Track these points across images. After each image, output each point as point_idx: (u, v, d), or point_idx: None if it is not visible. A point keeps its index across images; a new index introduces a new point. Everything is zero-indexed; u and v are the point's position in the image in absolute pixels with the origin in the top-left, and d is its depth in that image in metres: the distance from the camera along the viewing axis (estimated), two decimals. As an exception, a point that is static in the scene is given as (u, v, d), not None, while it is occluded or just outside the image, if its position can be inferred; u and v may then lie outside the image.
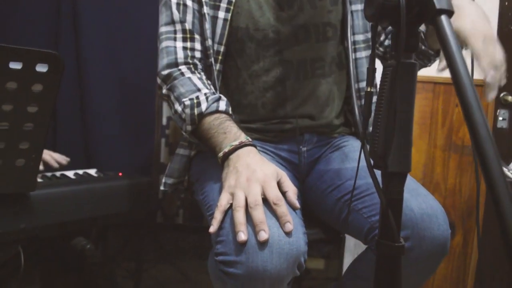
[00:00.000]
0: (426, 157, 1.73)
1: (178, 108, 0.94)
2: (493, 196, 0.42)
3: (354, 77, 1.07)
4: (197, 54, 1.01)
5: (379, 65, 0.61)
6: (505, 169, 1.14)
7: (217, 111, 0.91)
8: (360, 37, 1.06)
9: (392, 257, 0.55)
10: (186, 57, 1.00)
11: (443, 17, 0.47)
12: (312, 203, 1.02)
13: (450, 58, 0.47)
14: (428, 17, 0.49)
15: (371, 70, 0.58)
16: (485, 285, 1.74)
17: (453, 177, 1.74)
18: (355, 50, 1.05)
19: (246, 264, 0.70)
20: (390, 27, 1.11)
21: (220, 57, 1.01)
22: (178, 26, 1.01)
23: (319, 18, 1.02)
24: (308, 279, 1.72)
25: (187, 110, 0.91)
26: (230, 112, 0.93)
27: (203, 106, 0.90)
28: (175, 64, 1.00)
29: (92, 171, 1.37)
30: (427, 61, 1.05)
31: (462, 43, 0.81)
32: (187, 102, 0.92)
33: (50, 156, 1.31)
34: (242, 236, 0.70)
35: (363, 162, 0.61)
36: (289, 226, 0.72)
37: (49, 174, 1.29)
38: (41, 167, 1.23)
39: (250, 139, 0.86)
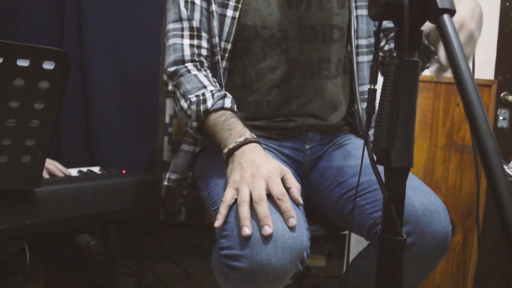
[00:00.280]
0: (427, 156, 1.74)
1: (184, 104, 0.95)
2: (494, 193, 0.43)
3: (357, 80, 1.09)
4: (204, 52, 1.03)
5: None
6: (505, 167, 1.15)
7: (222, 108, 0.92)
8: (363, 42, 1.08)
9: (394, 251, 0.56)
10: (192, 54, 1.01)
11: (446, 16, 0.48)
12: (314, 200, 1.04)
13: (452, 56, 0.48)
14: (431, 16, 0.50)
15: (375, 68, 0.59)
16: (484, 283, 1.75)
17: (453, 176, 1.75)
18: (357, 54, 1.07)
19: (250, 258, 0.71)
20: (392, 34, 1.14)
21: (226, 55, 1.03)
22: (186, 24, 1.02)
23: (326, 20, 1.04)
24: (309, 276, 1.73)
25: (193, 107, 0.93)
26: (236, 109, 0.95)
27: (209, 103, 0.92)
28: (182, 61, 1.01)
29: (96, 169, 1.38)
30: (426, 59, 1.06)
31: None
32: (193, 99, 0.93)
33: (54, 166, 1.32)
34: (247, 230, 0.71)
35: (366, 160, 0.62)
36: (292, 221, 0.73)
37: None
38: (46, 176, 1.24)
39: (255, 136, 0.87)
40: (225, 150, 0.86)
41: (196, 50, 1.02)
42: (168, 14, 1.06)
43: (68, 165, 1.35)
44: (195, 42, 1.02)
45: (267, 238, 0.71)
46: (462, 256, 1.77)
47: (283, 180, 0.80)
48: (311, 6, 1.02)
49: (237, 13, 1.00)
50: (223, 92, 0.96)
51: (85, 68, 1.61)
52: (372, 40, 1.10)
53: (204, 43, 1.03)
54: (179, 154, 1.11)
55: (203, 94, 0.93)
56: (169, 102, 1.71)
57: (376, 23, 1.13)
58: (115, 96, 1.66)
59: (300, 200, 0.80)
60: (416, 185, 0.86)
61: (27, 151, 0.96)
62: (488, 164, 0.40)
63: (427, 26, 0.75)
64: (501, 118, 1.75)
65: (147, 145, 1.71)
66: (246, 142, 0.84)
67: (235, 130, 0.87)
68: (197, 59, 1.02)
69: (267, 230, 0.71)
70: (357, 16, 1.07)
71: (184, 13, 1.02)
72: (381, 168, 0.57)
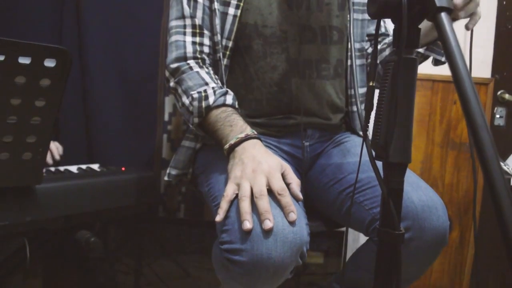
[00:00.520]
0: (424, 154, 1.76)
1: (186, 101, 0.96)
2: (490, 188, 0.44)
3: (349, 83, 1.11)
4: (206, 49, 1.03)
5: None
6: (501, 164, 1.16)
7: (224, 104, 0.93)
8: (356, 45, 1.10)
9: (392, 245, 0.58)
10: (194, 51, 1.02)
11: (443, 14, 0.49)
12: (313, 196, 1.05)
13: (450, 54, 0.49)
14: (428, 14, 0.51)
15: (373, 65, 0.60)
16: (481, 280, 1.77)
17: (450, 174, 1.76)
18: (351, 57, 1.09)
19: (251, 252, 0.72)
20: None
21: (228, 52, 1.03)
22: (188, 21, 1.03)
23: (326, 21, 1.05)
24: (307, 274, 1.74)
25: (195, 103, 0.94)
26: (237, 106, 0.96)
27: (211, 100, 0.93)
28: (184, 58, 1.02)
29: (95, 166, 1.39)
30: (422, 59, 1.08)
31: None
32: (195, 95, 0.94)
33: (54, 145, 1.33)
34: (248, 224, 0.72)
35: (364, 157, 0.63)
36: (293, 216, 0.74)
37: (52, 168, 1.30)
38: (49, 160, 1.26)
39: (255, 132, 0.88)
40: (226, 146, 0.87)
41: (198, 47, 1.03)
42: (171, 11, 1.07)
43: (68, 163, 1.36)
44: (197, 39, 1.03)
45: (267, 232, 0.72)
46: (459, 252, 1.78)
47: (283, 176, 0.81)
48: (311, 7, 1.03)
49: (239, 11, 1.01)
50: (224, 89, 0.96)
51: (84, 67, 1.61)
52: (364, 44, 1.14)
53: (206, 41, 1.04)
54: (180, 150, 1.12)
55: (205, 91, 0.94)
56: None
57: (368, 27, 1.16)
58: (114, 94, 1.67)
59: (300, 196, 0.81)
60: (415, 181, 0.87)
61: (28, 148, 0.96)
62: (484, 159, 0.42)
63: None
64: (497, 116, 1.77)
65: (146, 142, 1.72)
66: (247, 138, 0.85)
67: (236, 126, 0.88)
68: (199, 56, 1.02)
69: (268, 224, 0.72)
70: (352, 19, 1.08)
71: (187, 10, 1.03)
72: (379, 164, 0.58)
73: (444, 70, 1.48)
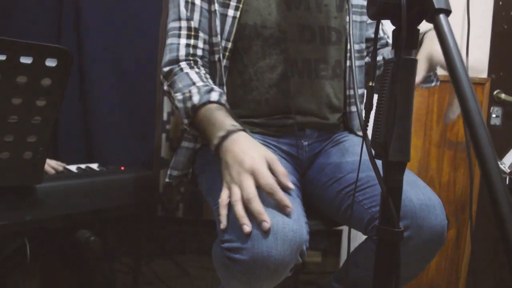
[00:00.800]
0: (421, 153, 1.77)
1: (176, 103, 0.97)
2: (487, 184, 0.44)
3: (347, 83, 1.12)
4: (199, 52, 1.04)
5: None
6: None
7: (208, 102, 0.93)
8: (355, 47, 1.11)
9: (391, 242, 0.58)
10: (187, 54, 1.03)
11: (442, 16, 0.50)
12: (312, 195, 1.06)
13: (448, 54, 0.49)
14: (427, 15, 0.52)
15: (373, 66, 0.61)
16: (478, 278, 1.78)
17: (447, 173, 1.78)
18: (349, 58, 1.10)
19: (251, 250, 0.73)
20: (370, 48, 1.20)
21: (227, 53, 1.04)
22: (184, 23, 1.04)
23: (325, 22, 1.06)
24: (305, 273, 1.75)
25: (181, 104, 0.94)
26: (223, 101, 0.95)
27: (195, 99, 0.93)
28: (176, 60, 1.03)
29: (94, 166, 1.39)
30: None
31: (436, 64, 0.88)
32: (180, 97, 0.95)
33: (47, 164, 1.32)
34: (247, 228, 0.73)
35: (363, 156, 0.64)
36: (288, 210, 0.75)
37: (52, 169, 1.31)
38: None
39: (235, 124, 0.87)
40: (212, 148, 0.87)
41: (191, 50, 1.03)
42: (169, 13, 1.08)
43: (67, 162, 1.36)
44: (192, 41, 1.04)
45: (267, 231, 0.73)
46: (456, 251, 1.80)
47: (270, 169, 0.79)
48: (310, 8, 1.04)
49: (238, 13, 1.02)
50: (210, 86, 0.97)
51: (83, 66, 1.62)
52: (363, 45, 1.15)
53: (201, 44, 1.04)
54: (180, 151, 1.12)
55: (190, 91, 0.95)
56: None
57: (367, 30, 1.17)
58: (113, 93, 1.67)
59: (290, 185, 0.80)
60: (413, 180, 0.88)
61: (28, 147, 0.97)
62: (481, 155, 0.42)
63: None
64: (494, 115, 1.78)
65: (145, 142, 1.72)
66: (227, 135, 0.84)
67: (215, 124, 0.88)
68: (191, 58, 1.03)
69: (265, 226, 0.72)
70: (351, 21, 1.09)
71: (184, 13, 1.04)
72: (379, 163, 0.59)
73: (440, 71, 1.49)
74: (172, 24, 1.05)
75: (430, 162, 1.78)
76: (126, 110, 1.69)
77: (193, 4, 1.04)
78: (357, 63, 1.13)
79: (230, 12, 1.02)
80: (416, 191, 0.85)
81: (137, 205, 1.38)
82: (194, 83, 0.97)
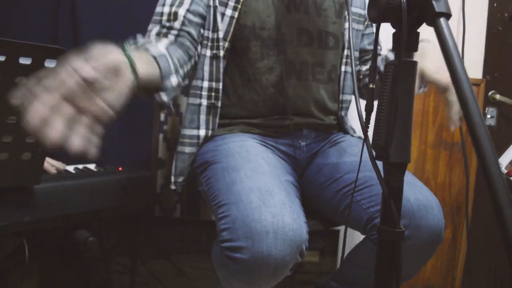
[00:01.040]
0: (417, 154, 1.78)
1: None
2: (488, 181, 0.45)
3: (341, 88, 1.13)
4: (173, 28, 1.01)
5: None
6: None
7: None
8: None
9: (392, 242, 0.59)
10: (158, 33, 1.00)
11: (442, 20, 0.51)
12: (311, 195, 1.07)
13: (449, 57, 0.50)
14: (427, 19, 0.53)
15: (373, 68, 0.62)
16: (473, 277, 1.80)
17: (443, 174, 1.79)
18: (346, 64, 1.11)
19: (251, 250, 0.73)
20: (366, 57, 1.22)
21: (227, 54, 1.05)
22: (167, 9, 1.01)
23: (323, 26, 1.07)
24: (302, 272, 1.76)
25: None
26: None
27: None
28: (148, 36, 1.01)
29: (91, 166, 1.39)
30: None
31: (425, 80, 0.88)
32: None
33: (48, 163, 1.32)
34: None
35: (363, 157, 0.65)
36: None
37: (49, 169, 1.30)
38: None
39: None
40: None
41: (163, 30, 1.00)
42: None
43: (64, 162, 1.36)
44: (167, 24, 1.01)
45: (268, 230, 0.74)
46: (452, 250, 1.81)
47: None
48: (309, 12, 1.05)
49: (236, 13, 1.02)
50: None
51: (80, 66, 1.61)
52: (357, 53, 1.18)
53: (177, 25, 1.00)
54: (181, 156, 1.10)
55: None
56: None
57: (363, 41, 1.18)
58: (110, 94, 1.66)
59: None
60: (410, 180, 0.89)
61: (27, 148, 0.96)
62: (483, 157, 0.43)
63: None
64: (489, 116, 1.80)
65: (142, 142, 1.72)
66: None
67: None
68: (161, 32, 1.00)
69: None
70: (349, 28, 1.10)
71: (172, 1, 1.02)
72: (379, 164, 0.60)
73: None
74: (157, 9, 1.04)
75: (426, 162, 1.79)
76: (123, 110, 1.68)
77: None
78: (351, 69, 1.14)
79: (228, 12, 1.03)
80: (414, 191, 0.86)
81: (135, 205, 1.38)
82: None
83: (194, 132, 1.07)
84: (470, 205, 1.76)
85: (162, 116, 1.72)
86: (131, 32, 1.66)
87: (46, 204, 1.09)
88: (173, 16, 0.99)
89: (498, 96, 1.77)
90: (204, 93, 1.06)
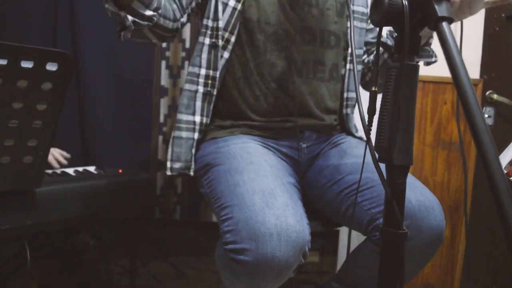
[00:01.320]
0: (416, 153, 1.79)
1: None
2: (491, 186, 0.46)
3: (345, 86, 1.14)
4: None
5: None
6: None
7: None
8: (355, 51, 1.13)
9: (396, 243, 0.60)
10: None
11: (444, 24, 0.52)
12: (312, 197, 1.07)
13: (451, 60, 0.51)
14: (430, 23, 0.53)
15: (376, 72, 0.62)
16: (472, 275, 1.81)
17: (441, 173, 1.80)
18: (350, 62, 1.12)
19: (255, 252, 0.74)
20: (372, 48, 1.21)
21: (229, 46, 1.05)
22: None
23: (325, 26, 1.08)
24: (302, 272, 1.77)
25: None
26: None
27: None
28: None
29: (91, 168, 1.39)
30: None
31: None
32: None
33: (52, 155, 1.32)
34: None
35: (362, 158, 0.65)
36: None
37: (49, 171, 1.31)
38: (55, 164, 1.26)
39: None
40: None
41: None
42: None
43: (64, 165, 1.36)
44: None
45: (271, 232, 0.74)
46: (451, 249, 1.83)
47: None
48: (312, 11, 1.06)
49: (239, 5, 1.03)
50: None
51: (79, 69, 1.61)
52: (361, 51, 1.17)
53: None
54: (178, 141, 1.08)
55: None
56: (163, 102, 1.72)
57: (367, 35, 1.19)
58: (109, 96, 1.67)
59: None
60: (411, 181, 0.89)
61: (29, 151, 0.96)
62: (486, 161, 0.44)
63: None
64: (486, 116, 1.81)
65: (142, 144, 1.72)
66: None
67: None
68: None
69: None
70: (353, 27, 1.11)
71: None
72: (382, 166, 0.60)
73: (434, 71, 1.51)
74: None
75: (425, 162, 1.80)
76: (122, 113, 1.69)
77: None
78: (357, 67, 1.16)
79: (231, 3, 1.03)
80: (415, 192, 0.87)
81: (135, 207, 1.38)
82: None
83: (190, 117, 1.08)
84: (468, 204, 1.78)
85: (161, 118, 1.72)
86: (131, 41, 1.66)
87: (47, 207, 1.09)
88: None
89: (495, 96, 1.79)
90: (201, 80, 1.07)
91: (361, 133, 1.20)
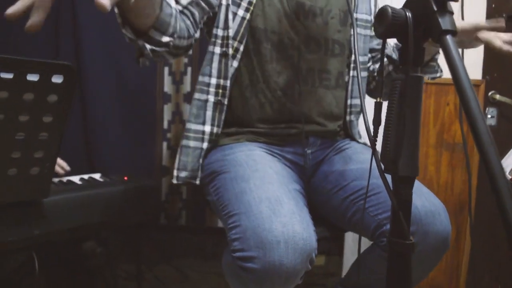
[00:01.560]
0: (419, 155, 1.79)
1: None
2: (493, 186, 0.47)
3: (349, 93, 1.14)
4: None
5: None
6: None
7: None
8: (359, 59, 1.15)
9: (403, 253, 0.60)
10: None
11: (448, 37, 0.52)
12: (317, 202, 1.08)
13: (455, 74, 0.52)
14: (434, 36, 0.54)
15: (380, 83, 0.63)
16: (477, 276, 1.81)
17: (445, 174, 1.81)
18: (353, 69, 1.13)
19: (263, 259, 0.75)
20: (377, 56, 1.22)
21: (238, 55, 1.06)
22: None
23: (329, 34, 1.09)
24: (308, 275, 1.77)
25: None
26: None
27: None
28: None
29: (97, 176, 1.40)
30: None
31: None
32: None
33: (57, 164, 1.33)
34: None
35: (368, 164, 0.66)
36: None
37: (56, 180, 1.31)
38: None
39: None
40: None
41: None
42: None
43: (69, 173, 1.37)
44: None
45: (279, 240, 0.75)
46: (456, 250, 1.83)
47: None
48: (316, 20, 1.07)
49: (248, 14, 1.04)
50: None
51: (82, 76, 1.62)
52: (366, 58, 1.18)
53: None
54: (185, 150, 1.09)
55: None
56: (167, 108, 1.73)
57: (371, 41, 1.19)
58: (112, 102, 1.67)
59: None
60: (417, 187, 0.89)
61: (35, 163, 0.97)
62: (488, 164, 0.45)
63: None
64: (489, 116, 1.81)
65: (146, 150, 1.73)
66: None
67: None
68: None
69: None
70: (356, 34, 1.12)
71: None
72: (388, 177, 0.61)
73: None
74: None
75: (428, 163, 1.80)
76: (126, 119, 1.69)
77: None
78: (362, 74, 1.17)
79: (240, 12, 1.04)
80: (421, 198, 0.88)
81: (141, 214, 1.39)
82: None
83: (199, 127, 1.08)
84: (472, 205, 1.78)
85: (165, 124, 1.73)
86: (133, 46, 1.67)
87: (55, 217, 1.10)
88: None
89: (498, 96, 1.79)
90: (212, 89, 1.07)
91: (364, 139, 1.21)
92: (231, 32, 1.04)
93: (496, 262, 1.81)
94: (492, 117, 1.81)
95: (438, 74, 1.13)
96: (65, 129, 0.98)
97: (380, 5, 1.24)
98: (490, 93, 1.80)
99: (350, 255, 1.67)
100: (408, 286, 0.62)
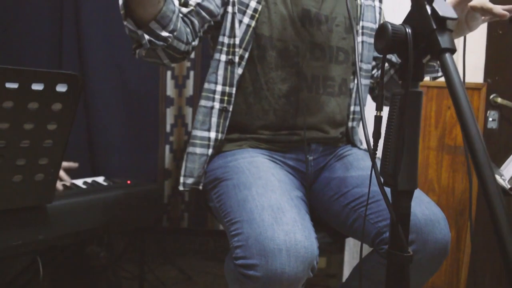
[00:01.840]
0: (420, 158, 1.80)
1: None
2: (484, 191, 0.48)
3: (352, 100, 1.15)
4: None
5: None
6: (497, 177, 1.21)
7: None
8: (363, 66, 1.15)
9: (401, 265, 0.61)
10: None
11: (447, 55, 0.53)
12: (319, 208, 1.09)
13: (453, 91, 0.52)
14: (433, 53, 0.55)
15: (380, 96, 0.63)
16: (478, 279, 1.82)
17: (446, 177, 1.81)
18: (356, 76, 1.13)
19: (265, 267, 0.76)
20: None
21: (243, 62, 1.07)
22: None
23: (334, 42, 1.10)
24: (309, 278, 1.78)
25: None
26: None
27: None
28: None
29: (100, 179, 1.41)
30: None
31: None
32: None
33: (61, 170, 1.34)
34: None
35: (368, 171, 0.67)
36: None
37: (59, 184, 1.32)
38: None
39: None
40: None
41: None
42: None
43: (72, 176, 1.38)
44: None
45: (280, 248, 0.76)
46: (456, 253, 1.83)
47: None
48: (321, 28, 1.08)
49: (253, 22, 1.05)
50: None
51: (86, 80, 1.63)
52: (370, 66, 1.19)
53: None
54: (191, 157, 1.10)
55: None
56: (169, 112, 1.74)
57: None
58: (115, 106, 1.69)
59: None
60: (417, 196, 0.91)
61: (40, 169, 0.99)
62: (480, 172, 0.46)
63: None
64: (490, 119, 1.82)
65: (149, 154, 1.74)
66: None
67: None
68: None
69: None
70: (362, 42, 1.15)
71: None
72: (387, 190, 0.62)
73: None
74: None
75: (429, 166, 1.81)
76: (129, 123, 1.70)
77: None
78: (364, 81, 1.17)
79: (245, 20, 1.05)
80: (421, 206, 0.89)
81: (144, 218, 1.40)
82: None
83: (205, 134, 1.09)
84: (473, 207, 1.78)
85: (168, 127, 1.74)
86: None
87: (58, 222, 1.11)
88: (184, 2, 1.01)
89: (499, 100, 1.79)
90: (217, 96, 1.08)
91: (365, 145, 1.22)
92: (237, 40, 1.05)
93: (497, 265, 1.81)
94: (493, 120, 1.82)
95: (439, 74, 1.13)
96: (69, 136, 0.99)
97: (384, 14, 1.25)
98: (491, 96, 1.80)
99: (350, 257, 1.68)
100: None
